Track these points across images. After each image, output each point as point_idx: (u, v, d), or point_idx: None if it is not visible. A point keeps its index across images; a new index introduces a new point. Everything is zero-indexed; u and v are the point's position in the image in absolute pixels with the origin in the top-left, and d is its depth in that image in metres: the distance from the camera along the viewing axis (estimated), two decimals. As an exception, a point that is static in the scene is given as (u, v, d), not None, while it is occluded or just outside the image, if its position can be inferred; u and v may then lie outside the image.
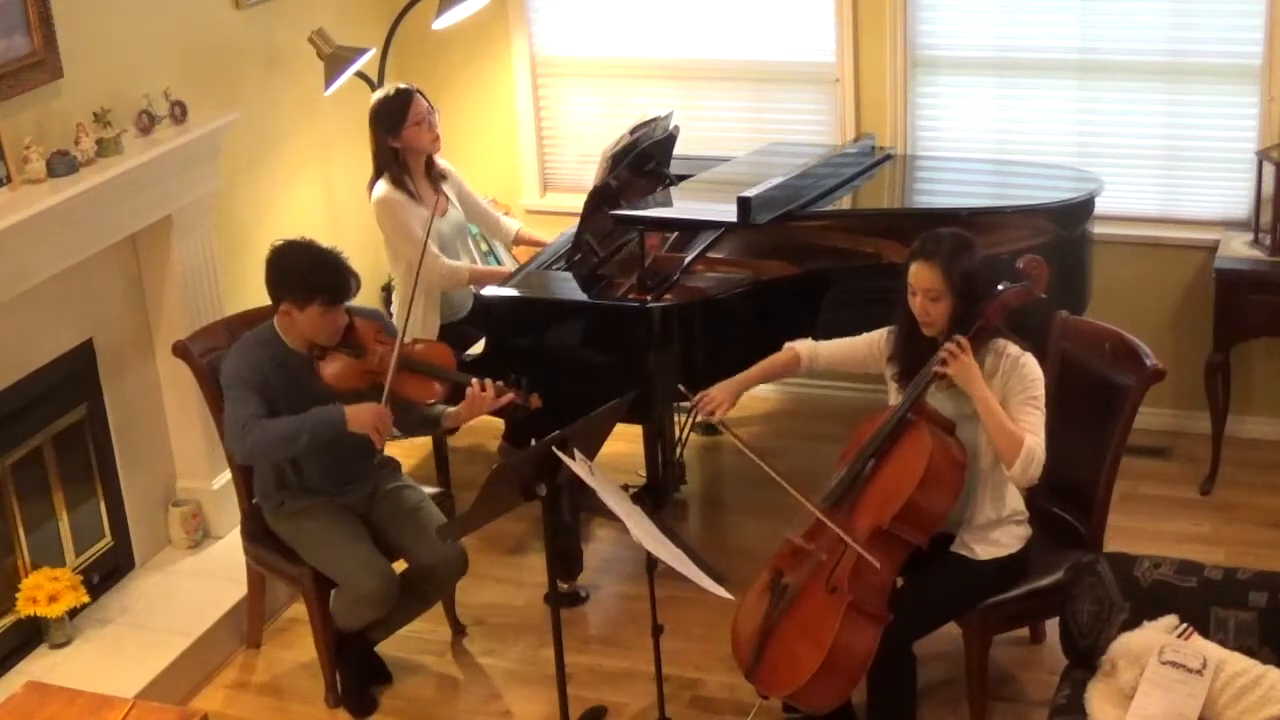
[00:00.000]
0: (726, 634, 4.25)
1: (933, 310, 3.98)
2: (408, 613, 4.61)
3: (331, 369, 4.38)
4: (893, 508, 3.92)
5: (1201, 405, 5.45)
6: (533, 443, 4.05)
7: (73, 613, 4.72)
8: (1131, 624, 3.75)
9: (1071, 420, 4.23)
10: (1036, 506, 4.23)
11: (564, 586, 4.95)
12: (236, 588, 4.91)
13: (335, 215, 5.96)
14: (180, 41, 5.09)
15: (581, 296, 4.91)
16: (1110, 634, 3.77)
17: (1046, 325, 4.41)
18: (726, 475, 5.86)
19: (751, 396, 5.85)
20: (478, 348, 5.08)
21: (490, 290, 4.98)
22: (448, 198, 5.38)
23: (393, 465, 4.70)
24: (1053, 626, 4.30)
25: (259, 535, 4.64)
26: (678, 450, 5.59)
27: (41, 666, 4.59)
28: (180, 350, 4.66)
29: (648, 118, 5.45)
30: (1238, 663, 3.58)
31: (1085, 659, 3.84)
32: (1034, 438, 3.90)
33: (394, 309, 5.44)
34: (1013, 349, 4.01)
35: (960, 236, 4.02)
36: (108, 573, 5.00)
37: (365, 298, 5.09)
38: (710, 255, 5.02)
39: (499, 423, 5.09)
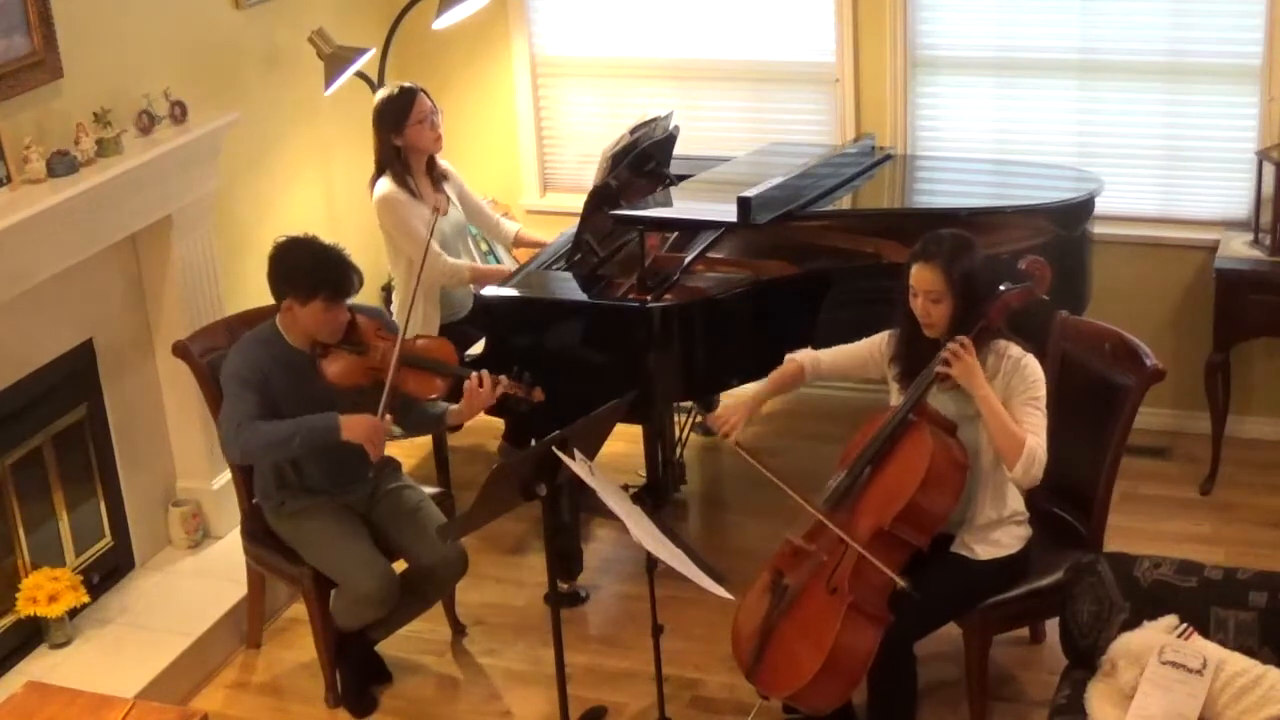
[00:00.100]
0: (726, 634, 4.25)
1: (934, 312, 3.98)
2: (408, 613, 4.61)
3: (333, 366, 4.38)
4: (894, 509, 3.92)
5: (1201, 405, 5.45)
6: (533, 443, 4.06)
7: (73, 613, 4.72)
8: (1131, 624, 3.75)
9: (1071, 420, 4.23)
10: (1037, 507, 4.23)
11: (564, 586, 4.95)
12: (236, 588, 4.91)
13: (335, 215, 5.96)
14: (180, 41, 5.09)
15: (581, 296, 4.91)
16: (1110, 634, 3.77)
17: (1047, 325, 4.41)
18: (726, 475, 5.86)
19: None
20: (478, 347, 5.08)
21: (490, 290, 4.98)
22: (449, 197, 5.39)
23: (393, 465, 4.70)
24: (1053, 626, 4.30)
25: (259, 535, 4.64)
26: (678, 450, 5.59)
27: (41, 666, 4.59)
28: (180, 350, 4.66)
29: (648, 118, 5.45)
30: (1238, 663, 3.58)
31: (1085, 659, 3.84)
32: (1036, 439, 3.90)
33: (394, 308, 5.44)
34: (1014, 350, 4.01)
35: (961, 238, 4.02)
36: (108, 573, 5.00)
37: (365, 298, 5.08)
38: (710, 255, 5.02)
39: (499, 423, 5.09)
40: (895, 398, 4.18)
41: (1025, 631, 4.62)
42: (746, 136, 5.86)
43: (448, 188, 5.42)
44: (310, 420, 4.29)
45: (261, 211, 5.56)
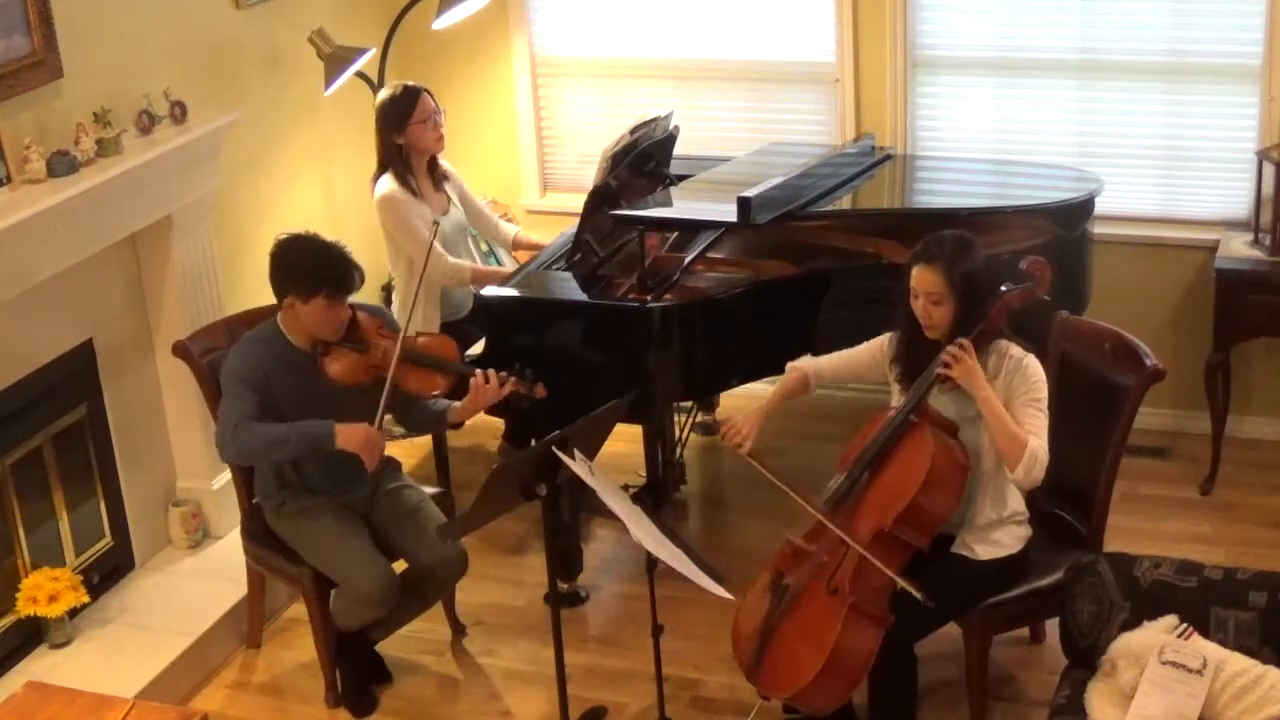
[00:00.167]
0: (726, 634, 4.25)
1: (935, 313, 3.98)
2: (408, 612, 4.61)
3: (335, 364, 4.39)
4: (895, 510, 3.92)
5: (1201, 405, 5.45)
6: (533, 443, 4.06)
7: (73, 613, 4.72)
8: (1131, 624, 3.75)
9: (1071, 420, 4.23)
10: (1037, 507, 4.23)
11: (564, 586, 4.95)
12: (236, 588, 4.91)
13: (335, 215, 5.96)
14: (180, 41, 5.09)
15: (582, 296, 4.91)
16: (1110, 634, 3.77)
17: (1047, 325, 4.41)
18: (726, 475, 5.86)
19: (753, 397, 5.84)
20: (478, 347, 5.08)
21: (490, 290, 4.98)
22: (449, 197, 5.40)
23: (393, 465, 4.70)
24: (1053, 626, 4.30)
25: (259, 535, 4.64)
26: (678, 450, 5.59)
27: (41, 666, 4.59)
28: (180, 350, 4.66)
29: (648, 118, 5.45)
30: (1238, 663, 3.58)
31: (1085, 659, 3.84)
32: (1037, 440, 3.89)
33: (394, 308, 5.44)
34: (1015, 350, 4.01)
35: (962, 239, 4.01)
36: (108, 573, 5.00)
37: (365, 298, 5.08)
38: (710, 255, 5.02)
39: (499, 423, 5.10)
40: (896, 398, 4.18)
41: (1025, 631, 4.62)
42: (746, 136, 5.86)
43: (448, 188, 5.42)
44: (306, 426, 4.30)
45: (261, 211, 5.56)
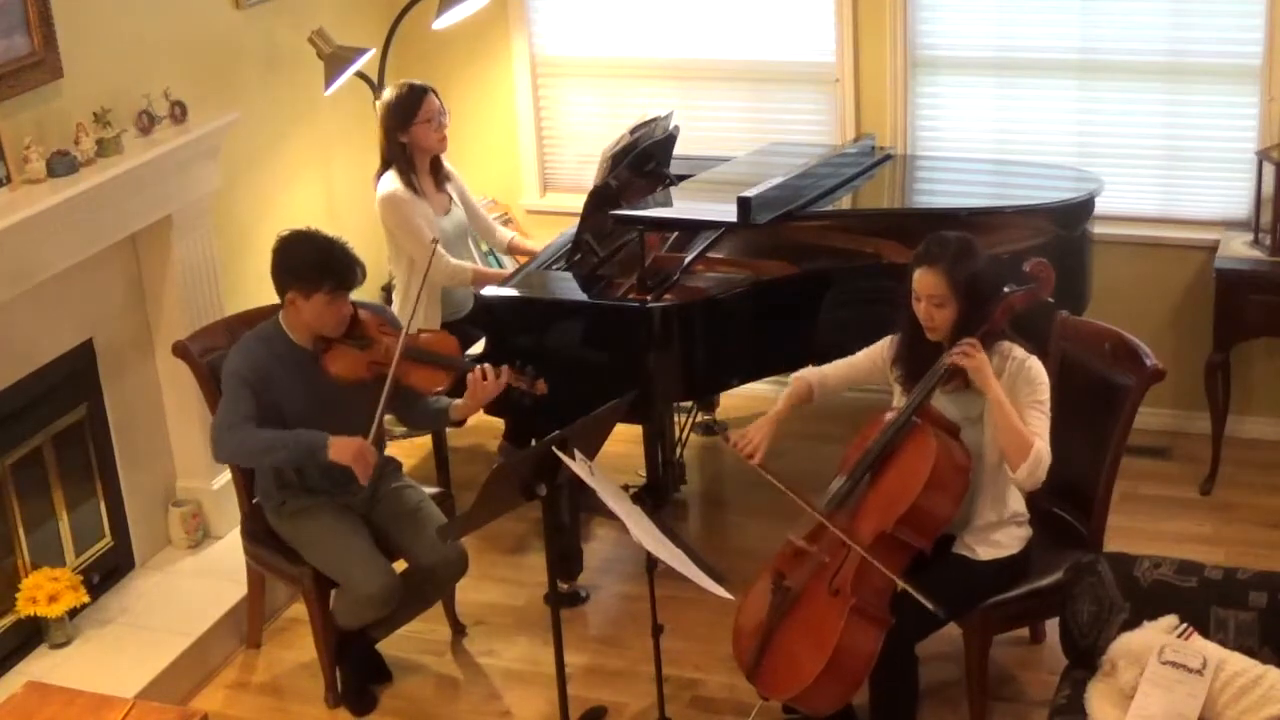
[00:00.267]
0: (726, 634, 4.25)
1: (937, 316, 3.97)
2: (408, 612, 4.61)
3: (336, 361, 4.39)
4: (897, 511, 3.92)
5: (1201, 405, 5.45)
6: (533, 443, 4.06)
7: (73, 613, 4.72)
8: (1131, 624, 3.75)
9: (1071, 420, 4.22)
10: (1037, 507, 4.23)
11: (564, 586, 4.95)
12: (236, 588, 4.91)
13: (335, 215, 5.96)
14: (180, 41, 5.09)
15: (582, 296, 4.91)
16: (1110, 634, 3.77)
17: (1047, 325, 4.41)
18: (726, 475, 5.86)
19: (753, 397, 5.86)
20: (478, 347, 5.08)
21: (491, 290, 4.98)
22: (451, 197, 5.41)
23: (393, 465, 4.70)
24: (1053, 626, 4.30)
25: (259, 535, 4.64)
26: (678, 450, 5.59)
27: (41, 666, 4.59)
28: (180, 350, 4.66)
29: (648, 118, 5.46)
30: (1238, 663, 3.58)
31: (1085, 659, 3.84)
32: (1042, 442, 3.89)
33: (395, 307, 5.44)
34: (1018, 352, 4.00)
35: (964, 241, 4.00)
36: (108, 573, 5.00)
37: (365, 299, 5.08)
38: (710, 255, 5.02)
39: (499, 423, 5.10)
40: (898, 399, 4.18)
41: (1025, 631, 4.62)
42: (746, 136, 5.86)
43: (450, 188, 5.43)
44: (300, 435, 4.30)
45: (261, 211, 5.56)
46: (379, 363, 4.40)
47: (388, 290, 5.87)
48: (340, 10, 5.86)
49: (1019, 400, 3.94)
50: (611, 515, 3.97)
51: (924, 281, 3.97)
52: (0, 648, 4.60)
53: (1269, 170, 5.27)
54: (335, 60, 5.50)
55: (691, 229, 5.14)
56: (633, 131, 5.34)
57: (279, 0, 5.56)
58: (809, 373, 4.33)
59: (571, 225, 5.19)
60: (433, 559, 4.50)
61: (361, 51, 5.54)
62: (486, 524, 4.35)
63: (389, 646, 4.72)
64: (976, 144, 5.76)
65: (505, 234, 5.66)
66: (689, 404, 5.70)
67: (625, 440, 5.18)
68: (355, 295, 4.44)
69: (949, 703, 4.43)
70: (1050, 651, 4.50)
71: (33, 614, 4.58)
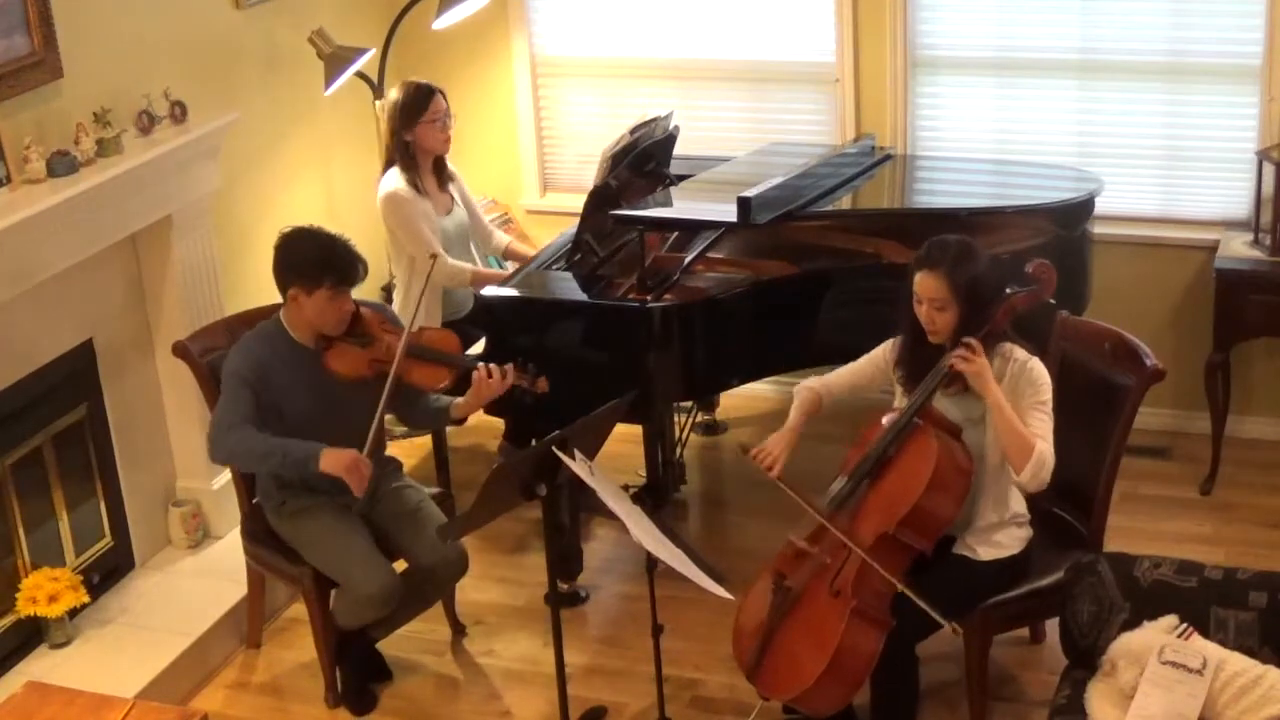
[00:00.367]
0: (726, 634, 4.25)
1: (939, 319, 3.97)
2: (408, 612, 4.61)
3: (338, 358, 4.39)
4: (899, 513, 3.91)
5: (1201, 405, 5.45)
6: (533, 443, 4.06)
7: (73, 613, 4.72)
8: (1131, 624, 3.75)
9: (1071, 420, 4.22)
10: (1037, 507, 4.22)
11: (564, 586, 4.95)
12: (236, 588, 4.91)
13: (335, 215, 5.96)
14: (180, 41, 5.09)
15: (582, 296, 4.91)
16: (1110, 634, 3.77)
17: (1047, 326, 4.41)
18: (726, 475, 5.86)
19: (752, 396, 5.87)
20: (478, 347, 5.08)
21: (491, 290, 4.98)
22: (453, 198, 5.42)
23: (393, 465, 4.70)
24: (1053, 626, 4.30)
25: (259, 535, 4.64)
26: (678, 450, 5.59)
27: (41, 666, 4.59)
28: (180, 350, 4.66)
29: (648, 118, 5.46)
30: (1238, 663, 3.58)
31: (1085, 659, 3.84)
32: (1044, 443, 3.89)
33: (396, 306, 5.44)
34: (1020, 353, 4.00)
35: (965, 244, 4.00)
36: (108, 573, 5.00)
37: (365, 298, 5.08)
38: (710, 255, 5.02)
39: (499, 423, 5.10)
40: (899, 400, 4.18)
41: (1025, 631, 4.62)
42: (746, 136, 5.86)
43: (452, 189, 5.44)
44: (295, 444, 4.30)
45: (261, 211, 5.56)
46: (380, 360, 4.40)
47: (388, 290, 5.87)
48: (340, 10, 5.86)
49: (1021, 402, 3.94)
50: (611, 515, 3.97)
51: (925, 285, 3.97)
52: (0, 648, 4.60)
53: (1269, 170, 5.27)
54: (335, 60, 5.50)
55: (691, 229, 5.13)
56: (633, 131, 5.34)
57: (279, 0, 5.56)
58: (814, 382, 4.32)
59: (571, 225, 5.19)
60: (433, 559, 4.50)
61: (361, 51, 5.54)
62: (486, 524, 4.35)
63: (389, 646, 4.72)
64: (976, 144, 5.75)
65: (502, 238, 5.66)
66: (689, 404, 5.70)
67: (625, 440, 5.18)
68: (355, 294, 4.44)
69: (949, 703, 4.43)
70: (1050, 651, 4.50)
71: (33, 614, 4.58)
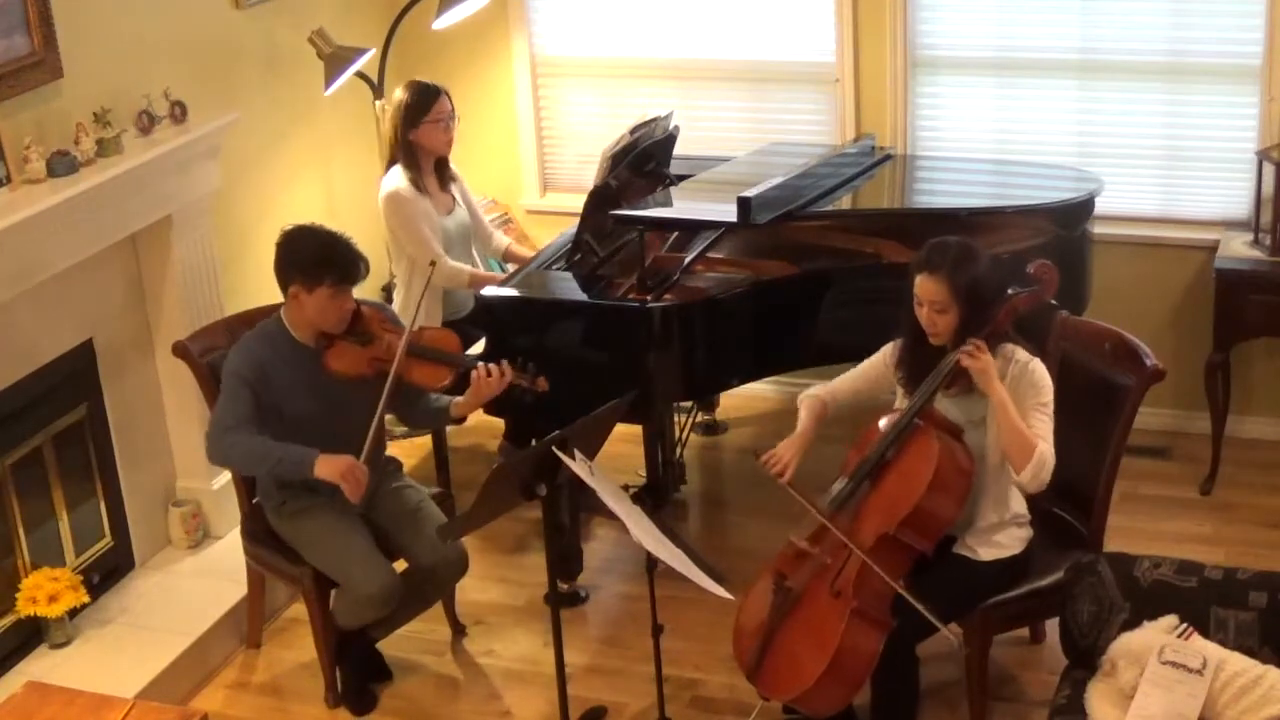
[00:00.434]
0: (726, 634, 4.25)
1: (940, 322, 3.97)
2: (408, 612, 4.61)
3: (338, 357, 4.39)
4: (899, 514, 3.91)
5: (1201, 405, 5.45)
6: (533, 443, 4.06)
7: (73, 613, 4.72)
8: (1131, 624, 3.75)
9: (1071, 420, 4.22)
10: (1037, 507, 4.22)
11: (564, 586, 4.95)
12: (236, 588, 4.91)
13: (335, 215, 5.95)
14: (180, 41, 5.09)
15: (582, 296, 4.91)
16: (1110, 634, 3.77)
17: (1047, 326, 4.41)
18: (726, 475, 5.87)
19: (752, 396, 5.87)
20: (478, 347, 5.08)
21: (491, 290, 4.98)
22: (455, 198, 5.42)
23: (393, 465, 4.71)
24: (1053, 626, 4.30)
25: (259, 535, 4.64)
26: (678, 450, 5.59)
27: (41, 666, 4.59)
28: (180, 350, 4.66)
29: (648, 118, 5.46)
30: (1238, 663, 3.58)
31: (1085, 659, 3.84)
32: (1046, 444, 3.89)
33: (396, 306, 5.45)
34: (1021, 354, 4.00)
35: (965, 247, 3.99)
36: (108, 573, 5.00)
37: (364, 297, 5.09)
38: (710, 255, 5.02)
39: (499, 423, 5.10)
40: (900, 400, 4.18)
41: (1025, 631, 4.61)
42: (746, 136, 5.86)
43: (454, 189, 5.45)
44: (292, 450, 4.30)
45: (261, 211, 5.56)
46: (381, 359, 4.41)
47: (388, 290, 5.87)
48: (340, 10, 5.86)
49: (1023, 403, 3.94)
50: (611, 515, 3.97)
51: (925, 287, 3.97)
52: (0, 648, 4.60)
53: (1269, 170, 5.27)
54: (335, 60, 5.50)
55: (691, 229, 5.13)
56: (633, 131, 5.34)
57: (279, 0, 5.56)
58: (819, 390, 4.32)
59: (571, 225, 5.19)
60: (433, 559, 4.50)
61: (361, 51, 5.54)
62: (486, 524, 4.35)
63: (389, 646, 4.72)
64: (976, 144, 5.75)
65: (502, 240, 5.66)
66: (689, 404, 5.70)
67: (625, 440, 5.18)
68: (355, 294, 4.44)
69: (949, 703, 4.43)
70: (1050, 651, 4.50)
71: (33, 614, 4.58)
